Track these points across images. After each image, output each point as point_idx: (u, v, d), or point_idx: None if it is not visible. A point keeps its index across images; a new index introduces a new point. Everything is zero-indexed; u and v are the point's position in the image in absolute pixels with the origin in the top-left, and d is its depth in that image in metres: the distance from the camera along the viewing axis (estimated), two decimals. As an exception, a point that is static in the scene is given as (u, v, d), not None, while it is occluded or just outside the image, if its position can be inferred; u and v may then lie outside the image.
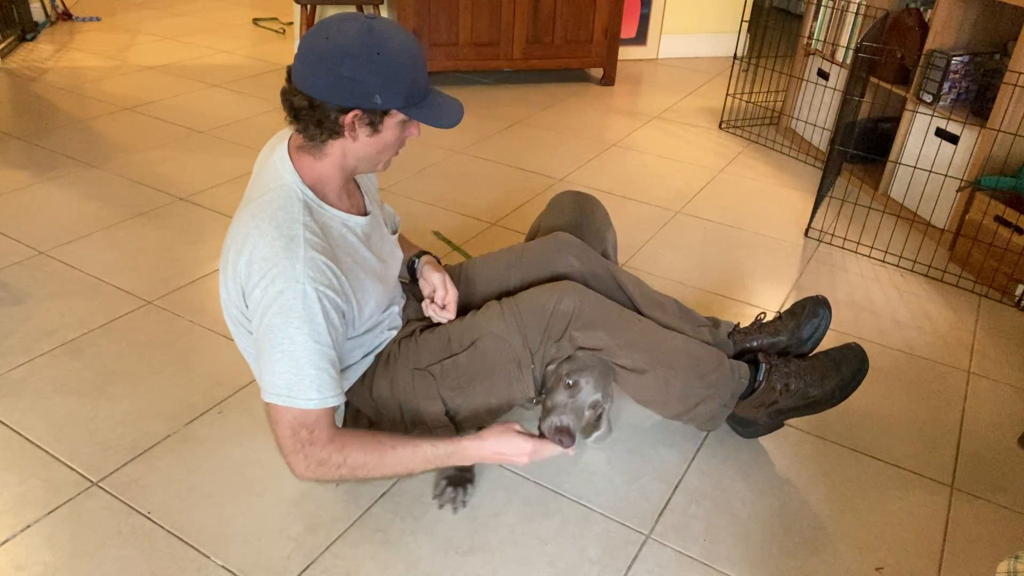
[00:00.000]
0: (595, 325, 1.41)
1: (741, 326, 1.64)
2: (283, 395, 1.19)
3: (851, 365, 1.50)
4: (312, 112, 1.19)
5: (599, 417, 1.45)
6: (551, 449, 1.30)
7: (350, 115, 1.18)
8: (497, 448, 1.28)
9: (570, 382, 1.37)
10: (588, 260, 1.59)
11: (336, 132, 1.20)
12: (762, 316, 1.69)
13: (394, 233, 1.51)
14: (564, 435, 1.31)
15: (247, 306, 1.23)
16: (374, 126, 1.21)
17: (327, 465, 1.22)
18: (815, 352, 1.55)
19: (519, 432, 1.29)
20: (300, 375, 1.18)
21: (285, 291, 1.16)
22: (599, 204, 1.86)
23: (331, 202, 1.29)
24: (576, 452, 1.42)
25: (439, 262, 1.59)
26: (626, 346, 1.42)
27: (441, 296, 1.50)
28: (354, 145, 1.23)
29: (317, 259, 1.19)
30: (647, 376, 1.43)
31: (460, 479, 1.47)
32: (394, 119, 1.22)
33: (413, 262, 1.58)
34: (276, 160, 1.27)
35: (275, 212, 1.21)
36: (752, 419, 1.57)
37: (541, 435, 1.33)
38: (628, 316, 1.47)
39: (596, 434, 1.50)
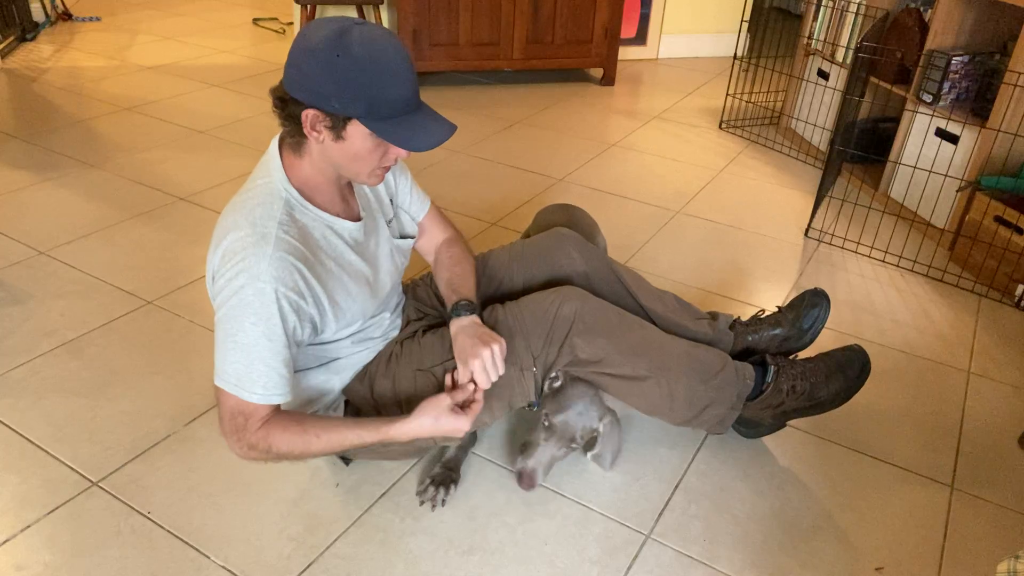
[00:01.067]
0: (596, 331, 1.40)
1: (742, 319, 1.65)
2: (231, 383, 1.20)
3: (854, 367, 1.51)
4: (283, 106, 1.20)
5: (591, 440, 1.50)
6: (474, 413, 1.28)
7: (308, 113, 1.16)
8: (433, 428, 1.26)
9: (547, 423, 1.42)
10: (588, 254, 1.59)
11: (300, 129, 1.20)
12: (760, 313, 1.69)
13: (401, 238, 1.50)
14: (524, 482, 1.40)
15: (213, 290, 1.24)
16: (336, 131, 1.18)
17: (257, 450, 1.24)
18: (818, 354, 1.55)
19: (451, 408, 1.26)
20: (249, 369, 1.20)
21: (246, 287, 1.17)
22: (585, 213, 1.87)
23: (318, 203, 1.28)
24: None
25: (479, 315, 1.42)
26: (627, 352, 1.42)
27: (481, 377, 1.31)
28: (323, 147, 1.21)
29: (285, 259, 1.19)
30: (649, 383, 1.43)
31: (445, 478, 1.49)
32: (360, 129, 1.17)
33: (452, 313, 1.43)
34: (268, 157, 1.28)
35: (254, 208, 1.21)
36: (757, 420, 1.57)
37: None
38: (630, 321, 1.46)
39: (591, 453, 1.52)
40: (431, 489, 1.46)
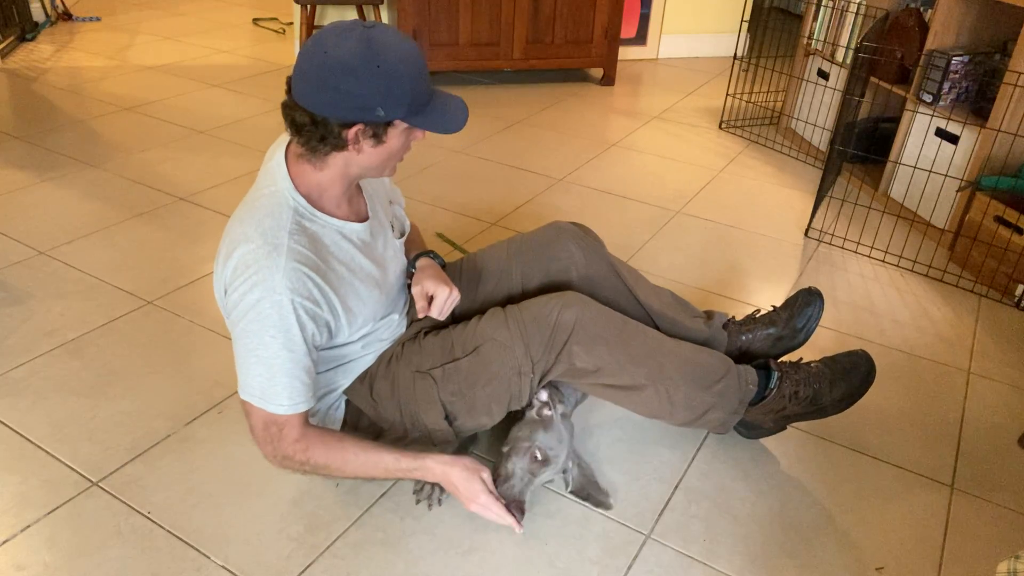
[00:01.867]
0: (595, 339, 1.39)
1: (736, 319, 1.65)
2: (256, 396, 1.23)
3: (859, 373, 1.50)
4: (315, 128, 1.18)
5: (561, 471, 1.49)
6: (498, 511, 1.32)
7: (353, 129, 1.17)
8: (457, 483, 1.32)
9: (540, 457, 1.39)
10: (586, 247, 1.59)
11: (340, 146, 1.20)
12: (755, 313, 1.70)
13: (401, 236, 1.51)
14: (518, 510, 1.35)
15: (227, 304, 1.26)
16: (378, 137, 1.20)
17: (292, 461, 1.27)
18: (823, 358, 1.55)
19: (483, 481, 1.33)
20: (272, 381, 1.22)
21: (263, 300, 1.18)
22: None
23: (327, 209, 1.28)
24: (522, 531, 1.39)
25: (442, 265, 1.55)
26: (626, 362, 1.41)
27: (439, 305, 1.41)
28: (358, 157, 1.23)
29: (299, 270, 1.20)
30: (647, 391, 1.43)
31: None
32: (398, 128, 1.21)
33: (409, 268, 1.52)
34: (273, 165, 1.28)
35: (262, 219, 1.22)
36: (758, 423, 1.56)
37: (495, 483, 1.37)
38: (631, 329, 1.45)
39: (571, 489, 1.49)
40: (427, 487, 1.46)
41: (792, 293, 1.75)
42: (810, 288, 1.67)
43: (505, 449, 1.42)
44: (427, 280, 1.44)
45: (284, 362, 1.21)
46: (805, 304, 1.65)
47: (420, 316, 1.44)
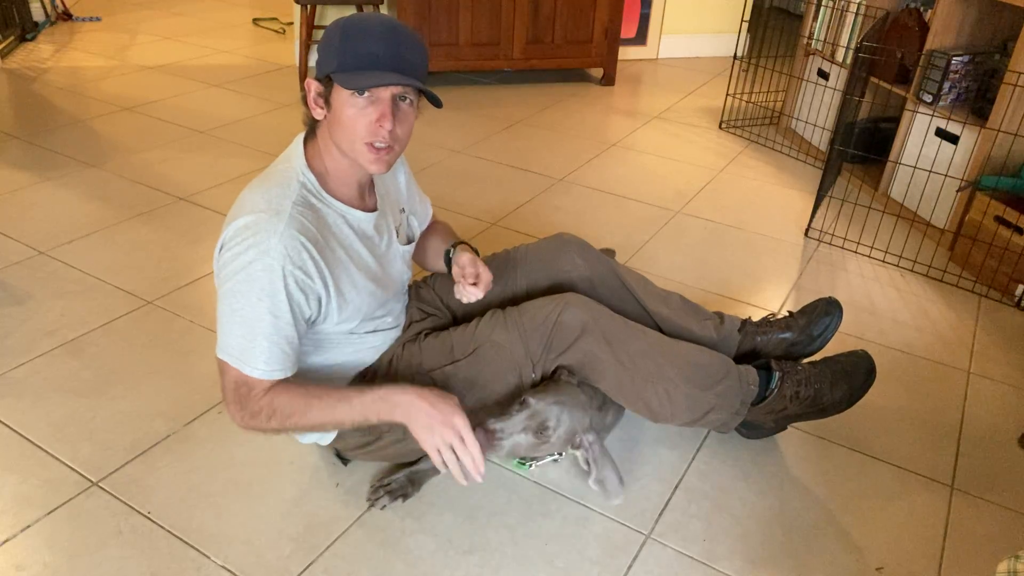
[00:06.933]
0: (596, 339, 1.39)
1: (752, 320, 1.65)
2: (234, 356, 1.23)
3: (859, 373, 1.51)
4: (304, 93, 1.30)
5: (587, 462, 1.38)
6: (471, 442, 1.21)
7: (308, 83, 1.25)
8: (433, 401, 1.21)
9: (521, 401, 1.32)
10: (592, 258, 1.59)
11: (309, 110, 1.28)
12: (771, 316, 1.69)
13: (408, 243, 1.50)
14: (481, 437, 1.25)
15: (219, 261, 1.25)
16: (326, 99, 1.23)
17: (259, 416, 1.24)
18: (823, 358, 1.55)
19: (459, 406, 1.23)
20: (252, 343, 1.21)
21: (255, 262, 1.18)
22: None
23: (335, 193, 1.30)
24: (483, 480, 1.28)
25: (476, 252, 1.53)
26: (627, 361, 1.41)
27: (471, 273, 1.41)
28: (324, 124, 1.26)
29: (296, 238, 1.20)
30: (648, 391, 1.43)
31: (400, 490, 1.46)
32: (340, 93, 1.20)
33: (448, 252, 1.52)
34: (292, 146, 1.32)
35: (271, 187, 1.24)
36: (759, 423, 1.56)
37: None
38: (632, 329, 1.45)
39: (592, 478, 1.38)
40: (381, 492, 1.45)
41: (797, 294, 1.75)
42: (830, 298, 1.67)
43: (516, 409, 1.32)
44: (471, 258, 1.45)
45: (266, 327, 1.21)
46: (825, 313, 1.64)
47: (457, 294, 1.41)
